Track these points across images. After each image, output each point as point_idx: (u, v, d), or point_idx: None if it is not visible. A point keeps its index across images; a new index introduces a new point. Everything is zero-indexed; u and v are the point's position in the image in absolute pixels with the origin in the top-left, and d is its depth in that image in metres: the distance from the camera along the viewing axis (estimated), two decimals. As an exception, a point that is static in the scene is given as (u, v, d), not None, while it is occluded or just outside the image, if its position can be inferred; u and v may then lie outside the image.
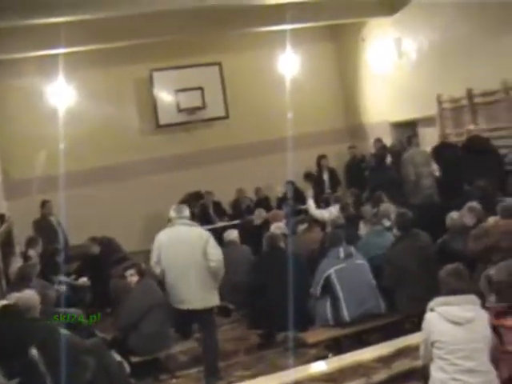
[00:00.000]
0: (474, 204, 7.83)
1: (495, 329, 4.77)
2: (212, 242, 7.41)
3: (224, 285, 8.70)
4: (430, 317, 4.83)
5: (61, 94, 14.08)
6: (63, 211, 11.96)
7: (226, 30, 14.04)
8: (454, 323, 4.67)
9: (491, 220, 7.45)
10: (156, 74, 14.67)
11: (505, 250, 6.45)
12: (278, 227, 9.26)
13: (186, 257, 7.29)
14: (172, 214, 7.57)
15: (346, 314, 7.29)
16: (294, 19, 13.14)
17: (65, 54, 12.84)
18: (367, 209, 9.94)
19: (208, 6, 12.05)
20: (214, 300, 7.57)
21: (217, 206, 14.04)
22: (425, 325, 4.88)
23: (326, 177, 14.10)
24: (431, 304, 4.86)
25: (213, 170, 14.90)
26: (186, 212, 7.60)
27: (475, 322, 4.67)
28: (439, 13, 12.95)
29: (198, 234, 7.49)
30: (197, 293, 7.31)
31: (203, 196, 13.75)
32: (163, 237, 7.48)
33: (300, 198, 13.42)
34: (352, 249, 7.68)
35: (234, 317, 9.41)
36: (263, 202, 13.81)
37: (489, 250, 6.81)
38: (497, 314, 4.86)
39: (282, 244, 8.39)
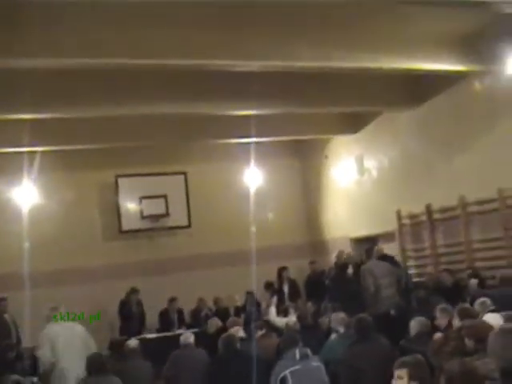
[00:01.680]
0: (445, 305, 7.89)
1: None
2: None
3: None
4: None
5: (25, 194, 14.09)
6: (20, 310, 11.77)
7: (192, 139, 14.39)
8: None
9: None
10: (121, 180, 14.82)
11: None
12: (235, 331, 9.18)
13: None
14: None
15: (299, 419, 7.14)
16: (259, 133, 13.50)
17: (30, 154, 12.96)
18: (324, 320, 9.96)
19: (174, 115, 12.39)
20: None
21: (180, 313, 13.94)
22: None
23: (286, 288, 14.09)
24: None
25: (174, 278, 14.85)
26: None
27: None
28: (399, 131, 13.45)
29: None
30: None
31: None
32: None
33: (259, 308, 13.39)
34: (308, 351, 7.59)
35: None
36: (222, 312, 13.68)
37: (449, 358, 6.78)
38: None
39: (238, 346, 8.30)
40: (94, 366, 7.70)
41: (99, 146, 13.60)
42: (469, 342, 6.02)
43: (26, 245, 13.28)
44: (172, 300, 13.92)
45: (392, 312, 10.87)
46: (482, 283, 10.17)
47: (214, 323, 10.73)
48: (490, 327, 6.07)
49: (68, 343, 8.94)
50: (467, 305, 7.89)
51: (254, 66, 9.46)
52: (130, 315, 13.46)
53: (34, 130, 11.48)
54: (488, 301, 7.91)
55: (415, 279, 12.50)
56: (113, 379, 7.70)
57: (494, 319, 6.88)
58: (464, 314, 7.15)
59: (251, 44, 8.79)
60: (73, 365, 8.73)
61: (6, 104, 10.00)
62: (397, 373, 5.13)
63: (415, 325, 7.91)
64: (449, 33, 10.03)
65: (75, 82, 9.99)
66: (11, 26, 7.49)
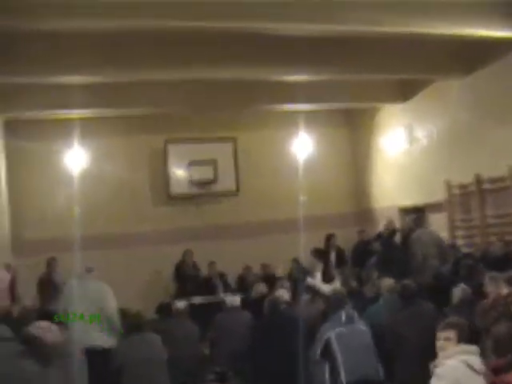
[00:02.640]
0: (495, 274, 7.85)
1: (494, 385, 4.70)
2: None
3: (223, 350, 8.71)
4: (453, 364, 4.78)
5: (76, 159, 14.34)
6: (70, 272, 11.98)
7: (241, 105, 14.39)
8: (476, 372, 4.66)
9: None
10: (171, 146, 14.91)
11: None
12: (280, 294, 9.23)
13: None
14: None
15: (343, 379, 7.20)
16: (309, 100, 13.47)
17: (81, 119, 13.14)
18: (369, 286, 10.00)
19: (225, 81, 12.42)
20: None
21: (222, 277, 14.05)
22: (444, 372, 4.78)
23: (333, 255, 14.10)
24: (449, 352, 4.87)
25: (221, 245, 14.95)
26: None
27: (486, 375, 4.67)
28: (449, 101, 13.27)
29: None
30: None
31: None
32: None
33: (305, 275, 13.41)
34: (354, 314, 7.63)
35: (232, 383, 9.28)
36: (269, 278, 13.76)
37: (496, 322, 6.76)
38: (495, 370, 4.77)
39: (282, 309, 8.36)
40: (130, 325, 7.82)
41: (149, 111, 13.73)
42: (514, 309, 6.01)
43: (77, 208, 13.49)
44: (211, 264, 14.06)
45: (435, 281, 10.82)
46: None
47: (260, 288, 10.81)
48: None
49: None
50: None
51: (299, 29, 9.35)
52: (186, 278, 13.63)
53: (85, 95, 11.65)
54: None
55: (464, 250, 12.38)
56: (151, 336, 7.81)
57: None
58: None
59: (297, 6, 8.72)
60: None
61: (58, 67, 10.09)
62: (443, 334, 5.15)
63: (458, 292, 7.90)
64: (502, -1, 9.86)
65: (125, 46, 10.08)
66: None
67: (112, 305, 8.39)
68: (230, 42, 10.35)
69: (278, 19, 8.83)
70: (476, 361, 4.69)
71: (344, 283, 10.26)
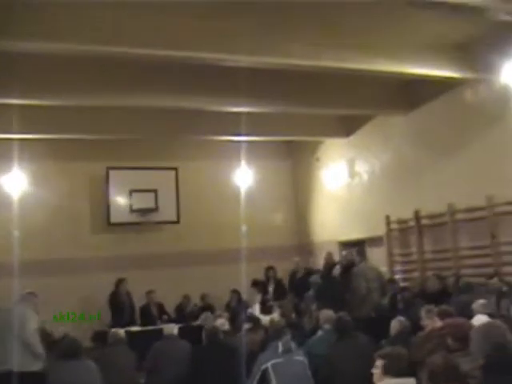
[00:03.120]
0: (431, 307, 7.93)
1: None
2: None
3: (160, 378, 8.60)
4: None
5: (15, 181, 14.07)
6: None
7: (183, 134, 14.44)
8: None
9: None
10: (112, 173, 14.78)
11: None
12: (220, 323, 9.20)
13: None
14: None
15: (278, 409, 7.15)
16: (251, 131, 13.54)
17: (22, 142, 12.91)
18: (308, 318, 10.02)
19: (167, 109, 12.43)
20: None
21: (160, 306, 13.90)
22: None
23: (271, 287, 14.15)
24: None
25: (161, 273, 14.81)
26: None
27: None
28: (392, 136, 13.53)
29: None
30: None
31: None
32: None
33: (244, 306, 13.38)
34: (292, 345, 7.62)
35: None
36: (208, 308, 13.68)
37: (431, 354, 6.81)
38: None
39: (221, 337, 8.31)
40: (67, 350, 7.66)
41: (91, 136, 13.60)
42: (450, 341, 6.05)
43: (15, 233, 13.22)
44: (149, 292, 13.82)
45: (375, 315, 10.91)
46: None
47: (207, 317, 10.66)
48: (471, 327, 6.11)
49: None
50: (447, 306, 7.92)
51: (243, 60, 9.45)
52: (121, 306, 13.42)
53: (25, 118, 11.43)
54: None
55: (402, 284, 12.50)
56: (87, 364, 7.64)
57: (481, 320, 6.94)
58: (444, 315, 7.23)
59: (241, 38, 8.84)
60: None
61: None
62: (375, 364, 5.18)
63: (396, 325, 7.97)
64: (445, 39, 10.15)
65: (69, 70, 10.05)
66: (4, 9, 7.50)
67: (30, 329, 8.46)
68: (172, 71, 10.41)
69: (221, 49, 8.92)
70: None
71: (283, 315, 10.23)
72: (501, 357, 5.00)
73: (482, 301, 8.10)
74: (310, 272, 14.33)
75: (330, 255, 13.70)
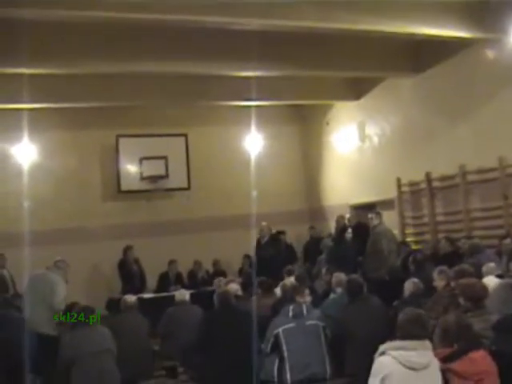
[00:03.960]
0: (443, 267, 7.91)
1: (442, 373, 4.67)
2: None
3: (174, 344, 8.63)
4: (383, 360, 4.59)
5: (25, 152, 14.09)
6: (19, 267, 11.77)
7: (193, 100, 14.31)
8: (409, 368, 4.49)
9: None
10: (122, 141, 14.76)
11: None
12: (231, 288, 9.18)
13: None
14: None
15: (288, 377, 7.12)
16: (261, 96, 13.44)
17: (32, 112, 12.88)
18: (320, 282, 10.02)
19: (176, 75, 12.35)
20: None
21: (178, 276, 14.02)
22: (376, 368, 4.60)
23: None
24: (383, 347, 4.64)
25: (173, 240, 14.86)
26: None
27: (429, 369, 4.54)
28: (402, 98, 13.40)
29: None
30: None
31: None
32: None
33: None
34: (304, 308, 7.59)
35: (181, 378, 9.21)
36: (220, 274, 13.70)
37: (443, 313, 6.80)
38: (443, 359, 4.73)
39: (233, 302, 8.30)
40: (81, 317, 7.69)
41: (100, 104, 13.51)
42: (463, 301, 6.03)
43: (25, 203, 13.29)
44: (171, 262, 14.01)
45: (388, 277, 10.90)
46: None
47: (220, 282, 10.64)
48: (484, 287, 6.09)
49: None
50: (465, 266, 7.87)
51: (252, 24, 9.34)
52: (131, 274, 13.50)
53: (34, 87, 11.35)
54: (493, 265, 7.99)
55: (413, 246, 12.47)
56: (101, 330, 7.67)
57: (492, 281, 6.93)
58: (461, 275, 7.18)
59: (250, 1, 8.72)
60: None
61: (5, 57, 9.85)
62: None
63: (409, 286, 7.94)
64: (454, -1, 9.99)
65: (76, 38, 9.98)
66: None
67: (59, 296, 9.06)
68: (181, 36, 10.32)
69: (231, 13, 8.81)
70: (412, 357, 4.54)
71: (297, 278, 10.20)
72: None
73: (491, 263, 8.10)
74: (321, 238, 14.32)
75: (341, 218, 13.65)
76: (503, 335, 5.06)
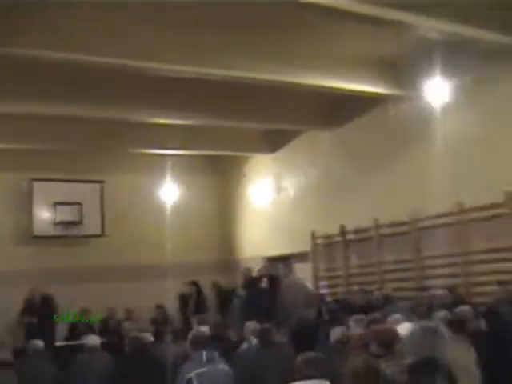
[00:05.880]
0: (360, 316, 7.98)
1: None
2: None
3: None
4: None
5: None
6: None
7: (109, 147, 14.31)
8: None
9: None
10: (36, 184, 14.56)
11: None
12: (143, 335, 9.04)
13: None
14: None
15: (202, 420, 7.05)
16: (179, 145, 13.49)
17: None
18: (232, 331, 10.04)
19: (92, 121, 12.28)
20: None
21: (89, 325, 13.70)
22: None
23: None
24: None
25: (86, 287, 14.53)
26: None
27: None
28: (318, 152, 13.65)
29: None
30: None
31: None
32: None
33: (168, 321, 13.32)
34: (215, 355, 7.54)
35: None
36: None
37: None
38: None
39: (144, 346, 8.18)
40: None
41: (14, 146, 13.29)
42: (374, 347, 6.08)
43: None
44: (84, 312, 13.65)
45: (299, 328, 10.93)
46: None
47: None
48: (395, 332, 6.16)
49: None
50: (376, 314, 7.97)
51: (172, 71, 9.34)
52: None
53: None
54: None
55: (327, 298, 12.56)
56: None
57: (406, 326, 7.01)
58: (373, 323, 7.26)
59: (171, 47, 8.79)
60: None
61: None
62: None
63: (335, 333, 7.96)
64: (372, 55, 10.34)
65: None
66: None
67: None
68: (97, 81, 10.22)
69: (151, 58, 8.83)
70: None
71: (212, 327, 10.15)
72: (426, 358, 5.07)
73: (397, 315, 8.18)
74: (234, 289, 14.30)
75: (248, 271, 13.65)
76: (416, 377, 5.10)
